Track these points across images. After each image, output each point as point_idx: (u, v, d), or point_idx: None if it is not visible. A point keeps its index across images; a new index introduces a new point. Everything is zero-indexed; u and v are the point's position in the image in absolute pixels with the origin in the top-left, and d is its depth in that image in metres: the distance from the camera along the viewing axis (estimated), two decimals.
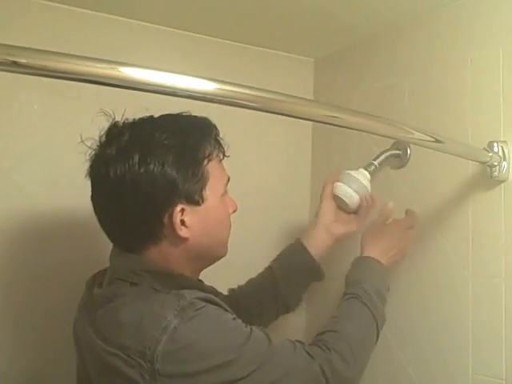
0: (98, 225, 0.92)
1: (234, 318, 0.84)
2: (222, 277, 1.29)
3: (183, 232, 0.85)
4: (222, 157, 0.92)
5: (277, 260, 1.19)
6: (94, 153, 0.88)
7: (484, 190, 1.08)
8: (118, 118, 0.89)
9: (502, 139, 1.05)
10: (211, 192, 0.88)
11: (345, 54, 1.49)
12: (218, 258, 0.96)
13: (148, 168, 0.81)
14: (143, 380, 0.75)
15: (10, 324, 1.17)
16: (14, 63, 0.53)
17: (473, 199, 1.10)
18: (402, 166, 1.28)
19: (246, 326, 0.84)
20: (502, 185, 1.05)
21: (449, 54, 1.18)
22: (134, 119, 0.88)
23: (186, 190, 0.84)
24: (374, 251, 1.07)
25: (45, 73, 0.56)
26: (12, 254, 1.17)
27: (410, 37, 1.29)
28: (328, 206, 1.18)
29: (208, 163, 0.87)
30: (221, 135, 0.93)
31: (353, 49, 1.46)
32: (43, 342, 1.18)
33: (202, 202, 0.86)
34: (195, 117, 0.91)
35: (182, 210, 0.84)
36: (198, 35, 1.41)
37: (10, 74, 0.55)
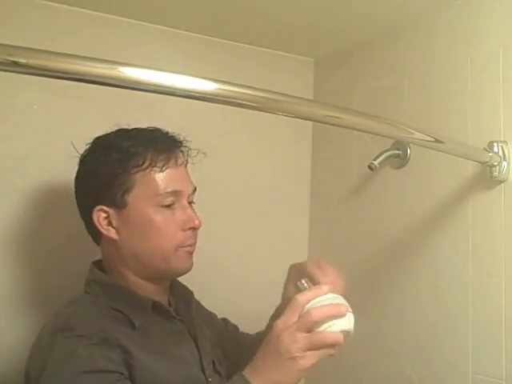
0: None
1: (96, 371, 0.76)
2: (221, 277, 1.29)
3: (110, 233, 0.89)
4: (162, 169, 0.89)
5: None
6: None
7: (484, 189, 1.08)
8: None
9: (502, 139, 1.05)
10: (137, 199, 0.89)
11: (345, 54, 1.49)
12: (162, 271, 0.91)
13: (83, 170, 0.93)
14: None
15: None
16: (14, 63, 0.53)
17: (473, 199, 1.10)
18: (401, 166, 1.28)
19: None
20: (502, 185, 1.05)
21: (449, 53, 1.18)
22: None
23: (108, 192, 0.88)
24: (261, 373, 0.76)
25: (45, 73, 0.56)
26: (11, 254, 1.17)
27: (409, 37, 1.29)
28: None
29: (138, 172, 0.88)
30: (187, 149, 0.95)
31: (353, 49, 1.46)
32: None
33: (125, 205, 0.89)
34: (157, 130, 0.94)
35: (104, 211, 0.89)
36: (198, 35, 1.40)
37: (10, 74, 0.55)
